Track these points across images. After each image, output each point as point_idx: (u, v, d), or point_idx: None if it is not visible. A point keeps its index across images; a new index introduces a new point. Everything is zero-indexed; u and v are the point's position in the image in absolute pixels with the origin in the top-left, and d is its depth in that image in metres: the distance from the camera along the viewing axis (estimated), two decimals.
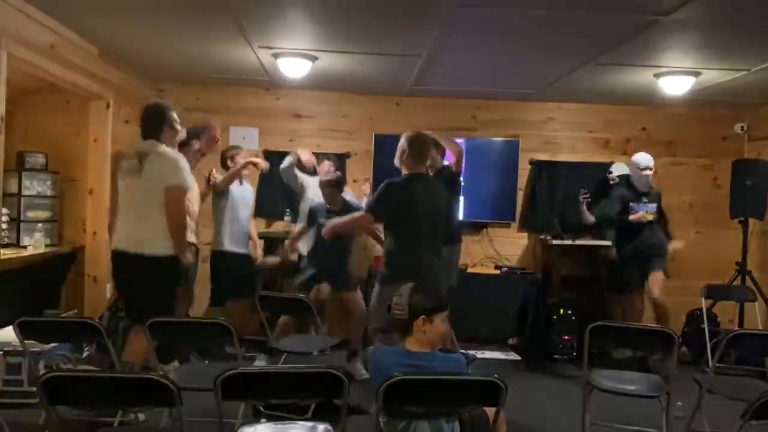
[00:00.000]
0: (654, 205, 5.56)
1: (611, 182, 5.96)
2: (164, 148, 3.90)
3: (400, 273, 3.78)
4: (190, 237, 4.79)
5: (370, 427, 2.43)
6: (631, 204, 5.50)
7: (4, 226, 4.43)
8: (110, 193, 4.27)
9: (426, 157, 3.98)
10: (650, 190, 5.57)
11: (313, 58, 4.98)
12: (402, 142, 3.93)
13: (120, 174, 3.95)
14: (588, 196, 5.94)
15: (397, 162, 3.96)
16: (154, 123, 3.94)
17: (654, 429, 3.62)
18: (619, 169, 6.05)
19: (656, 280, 5.37)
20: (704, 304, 5.19)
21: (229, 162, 5.17)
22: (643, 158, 5.55)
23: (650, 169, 5.51)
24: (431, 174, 4.42)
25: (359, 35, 4.43)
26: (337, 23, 4.17)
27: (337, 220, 4.27)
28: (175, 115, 4.02)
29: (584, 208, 5.93)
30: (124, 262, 3.88)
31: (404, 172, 3.91)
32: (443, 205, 4.02)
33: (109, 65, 5.18)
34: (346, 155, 6.33)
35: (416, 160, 3.87)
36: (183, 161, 3.95)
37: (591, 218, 5.92)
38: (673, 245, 5.67)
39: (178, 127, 4.08)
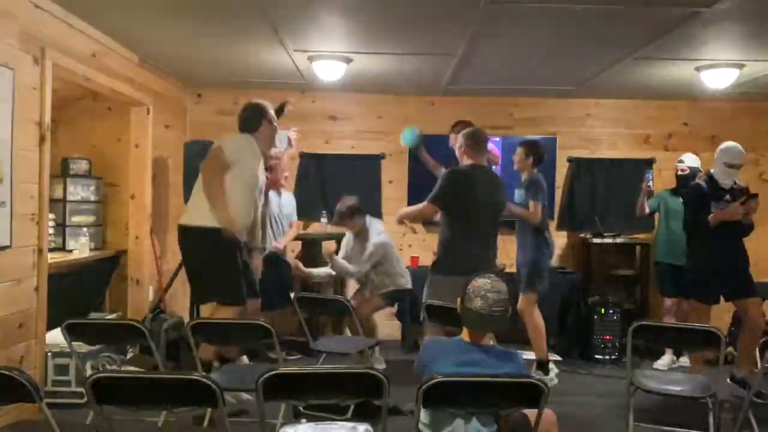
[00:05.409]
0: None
1: (680, 172, 5.39)
2: (241, 135, 3.97)
3: (454, 263, 3.80)
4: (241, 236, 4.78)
5: (408, 427, 2.42)
6: (712, 203, 4.52)
7: (50, 231, 4.55)
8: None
9: (484, 150, 4.09)
10: (734, 186, 4.58)
11: (348, 60, 5.00)
12: (459, 138, 4.08)
13: None
14: (651, 185, 5.71)
15: (457, 154, 4.10)
16: (251, 118, 4.01)
17: (701, 431, 3.53)
18: (690, 159, 5.46)
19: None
20: None
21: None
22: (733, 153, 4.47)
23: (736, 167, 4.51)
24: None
25: (393, 36, 4.43)
26: (371, 25, 4.18)
27: (407, 209, 4.54)
28: (273, 113, 4.05)
29: (644, 197, 5.56)
30: (178, 235, 3.96)
31: (466, 162, 4.02)
32: (502, 199, 4.14)
33: (148, 72, 5.29)
34: (381, 156, 6.37)
35: (475, 151, 3.99)
36: (248, 142, 3.94)
37: (647, 209, 5.62)
38: None
39: (276, 125, 4.08)
